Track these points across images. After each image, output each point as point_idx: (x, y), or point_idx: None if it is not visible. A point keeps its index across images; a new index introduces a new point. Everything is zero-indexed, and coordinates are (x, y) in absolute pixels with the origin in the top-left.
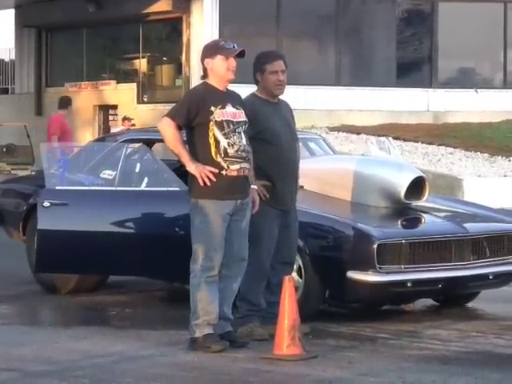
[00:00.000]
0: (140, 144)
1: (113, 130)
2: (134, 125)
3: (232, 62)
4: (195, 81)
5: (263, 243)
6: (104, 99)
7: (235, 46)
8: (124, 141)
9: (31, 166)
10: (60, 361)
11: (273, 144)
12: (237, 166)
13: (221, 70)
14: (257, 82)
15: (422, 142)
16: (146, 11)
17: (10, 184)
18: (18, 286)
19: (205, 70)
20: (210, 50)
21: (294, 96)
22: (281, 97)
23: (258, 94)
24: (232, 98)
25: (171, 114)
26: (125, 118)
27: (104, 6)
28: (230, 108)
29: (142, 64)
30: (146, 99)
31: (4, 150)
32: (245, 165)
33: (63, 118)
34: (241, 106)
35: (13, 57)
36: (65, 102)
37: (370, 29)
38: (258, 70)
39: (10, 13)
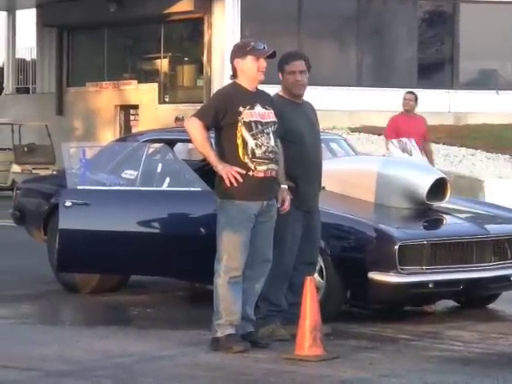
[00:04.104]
0: (162, 144)
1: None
2: None
3: (262, 63)
4: (217, 81)
5: (286, 244)
6: (125, 99)
7: (265, 46)
8: (145, 141)
9: (52, 166)
10: (81, 360)
11: (297, 144)
12: (264, 167)
13: (251, 70)
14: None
15: (444, 143)
16: (167, 11)
17: (31, 184)
18: (40, 286)
19: (234, 70)
20: (241, 51)
21: (315, 97)
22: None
23: (282, 94)
24: (261, 98)
25: (199, 114)
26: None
27: (125, 6)
28: (258, 108)
29: (163, 64)
30: (167, 99)
31: (25, 149)
32: (272, 166)
33: (401, 119)
34: (270, 106)
35: (34, 56)
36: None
37: (392, 30)
38: (280, 71)
39: (32, 12)
